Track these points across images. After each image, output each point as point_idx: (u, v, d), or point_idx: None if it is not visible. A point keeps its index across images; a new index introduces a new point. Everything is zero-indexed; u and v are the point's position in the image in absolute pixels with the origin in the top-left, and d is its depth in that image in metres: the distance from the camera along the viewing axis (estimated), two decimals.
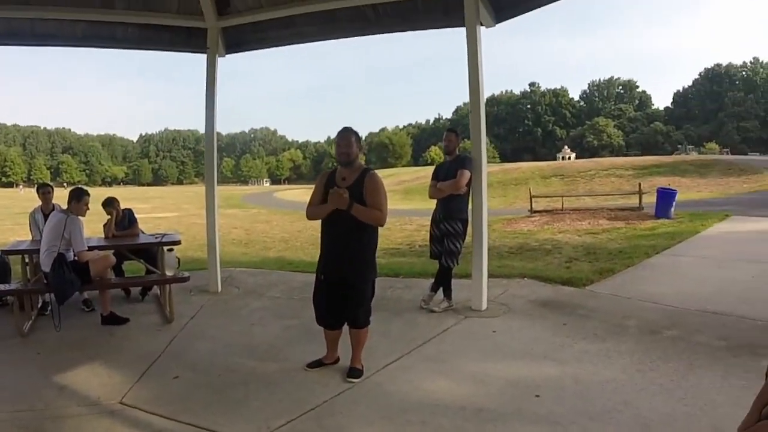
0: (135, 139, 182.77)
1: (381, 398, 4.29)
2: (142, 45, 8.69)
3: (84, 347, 5.72)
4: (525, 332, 5.74)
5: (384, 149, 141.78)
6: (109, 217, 7.66)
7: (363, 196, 4.40)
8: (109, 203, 7.67)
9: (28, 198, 57.58)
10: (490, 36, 6.58)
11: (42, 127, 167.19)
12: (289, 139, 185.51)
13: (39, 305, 6.95)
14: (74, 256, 6.17)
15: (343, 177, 4.56)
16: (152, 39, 8.43)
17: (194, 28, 7.99)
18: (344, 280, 4.55)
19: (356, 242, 4.51)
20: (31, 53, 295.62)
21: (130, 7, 7.71)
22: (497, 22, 6.83)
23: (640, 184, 21.45)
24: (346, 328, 4.81)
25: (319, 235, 4.76)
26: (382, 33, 7.88)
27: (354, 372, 4.66)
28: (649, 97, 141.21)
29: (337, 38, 8.08)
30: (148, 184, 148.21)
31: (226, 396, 4.40)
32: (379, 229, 4.63)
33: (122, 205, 7.88)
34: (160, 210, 32.03)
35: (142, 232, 8.01)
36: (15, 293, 6.47)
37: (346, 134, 4.55)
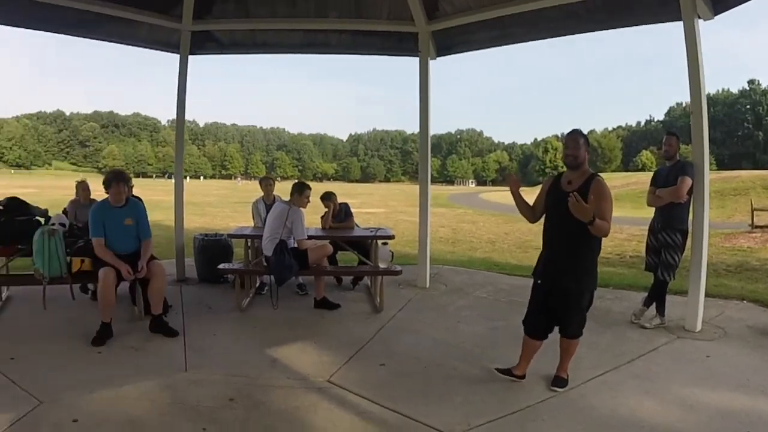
0: (345, 139, 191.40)
1: (584, 410, 4.16)
2: (355, 50, 9.22)
3: (296, 326, 6.17)
4: (741, 361, 5.23)
5: (592, 153, 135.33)
6: (326, 209, 8.09)
7: (587, 202, 4.16)
8: (327, 197, 8.09)
9: (245, 189, 62.84)
10: (704, 27, 6.05)
11: (258, 127, 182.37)
12: (495, 141, 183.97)
13: (257, 285, 7.61)
14: (294, 243, 6.66)
15: (569, 181, 4.42)
16: (365, 44, 8.88)
17: (405, 32, 8.22)
18: (563, 288, 4.40)
19: (579, 250, 4.34)
20: (249, 60, 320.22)
21: (342, 15, 8.19)
22: (716, 14, 6.21)
23: None
24: (547, 342, 4.67)
25: (528, 238, 4.67)
26: (593, 30, 7.57)
27: (559, 381, 4.56)
28: None
29: (546, 38, 7.89)
30: (357, 181, 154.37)
31: (429, 388, 4.49)
32: None
33: (338, 200, 8.29)
34: (368, 206, 33.29)
35: (357, 226, 8.38)
36: (238, 272, 7.09)
37: (574, 136, 4.42)
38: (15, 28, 8.03)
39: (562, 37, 7.79)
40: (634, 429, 3.89)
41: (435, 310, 6.93)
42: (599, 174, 4.45)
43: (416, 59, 8.15)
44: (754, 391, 4.55)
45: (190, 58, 8.47)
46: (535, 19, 7.48)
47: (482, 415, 3.99)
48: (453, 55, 8.55)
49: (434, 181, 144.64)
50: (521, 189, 4.73)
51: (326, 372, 4.78)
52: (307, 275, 7.16)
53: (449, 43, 8.36)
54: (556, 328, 4.57)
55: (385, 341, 5.69)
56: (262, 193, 8.25)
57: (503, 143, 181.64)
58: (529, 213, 4.69)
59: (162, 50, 8.81)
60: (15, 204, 6.53)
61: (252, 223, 8.36)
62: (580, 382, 4.63)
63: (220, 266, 7.24)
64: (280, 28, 8.69)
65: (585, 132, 4.45)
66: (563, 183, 4.45)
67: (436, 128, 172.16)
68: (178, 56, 8.45)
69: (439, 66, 8.27)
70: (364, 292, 7.84)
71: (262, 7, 8.35)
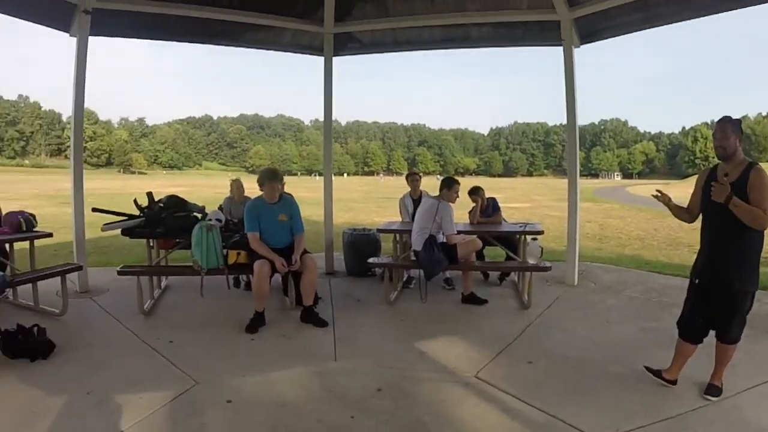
0: (485, 133, 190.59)
1: (738, 423, 3.86)
2: (496, 42, 9.04)
3: (444, 321, 6.20)
4: None
5: (745, 140, 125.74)
6: (474, 204, 8.06)
7: (746, 193, 3.89)
8: (475, 192, 8.06)
9: (387, 185, 63.83)
10: None
11: (399, 124, 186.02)
12: (641, 131, 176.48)
13: (404, 279, 7.69)
14: (443, 238, 6.66)
15: (725, 173, 4.07)
16: (505, 36, 8.73)
17: (546, 21, 7.97)
18: (722, 287, 4.09)
19: (740, 245, 4.01)
20: (388, 58, 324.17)
21: (481, 8, 8.09)
22: None
23: None
24: (700, 346, 4.37)
25: (678, 235, 4.39)
26: (746, 6, 6.74)
27: (713, 390, 4.24)
28: None
29: (698, 17, 7.22)
30: (499, 176, 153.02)
31: (577, 388, 4.36)
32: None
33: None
34: (512, 200, 32.80)
35: (504, 221, 8.29)
36: (387, 266, 7.20)
37: (722, 125, 4.09)
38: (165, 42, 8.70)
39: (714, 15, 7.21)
40: None
41: (583, 309, 6.73)
42: (758, 163, 4.07)
43: (559, 48, 7.91)
44: None
45: (334, 59, 8.74)
46: None
47: (630, 420, 3.81)
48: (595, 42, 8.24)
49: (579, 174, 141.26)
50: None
51: (473, 367, 4.75)
52: (456, 270, 7.11)
53: (593, 30, 8.02)
54: (712, 332, 4.28)
55: (532, 339, 5.58)
56: (409, 189, 8.33)
57: (649, 133, 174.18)
58: (686, 214, 4.42)
59: (306, 53, 9.22)
60: (174, 201, 7.01)
61: (399, 218, 8.46)
62: (735, 392, 4.29)
63: (370, 260, 7.41)
64: (420, 25, 8.72)
65: (736, 117, 4.11)
66: (719, 176, 4.10)
67: (579, 119, 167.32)
68: (320, 59, 8.77)
69: (580, 53, 7.96)
70: (511, 288, 7.74)
71: (400, 5, 8.45)
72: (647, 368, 4.51)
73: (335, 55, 8.82)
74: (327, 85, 8.75)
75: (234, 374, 4.55)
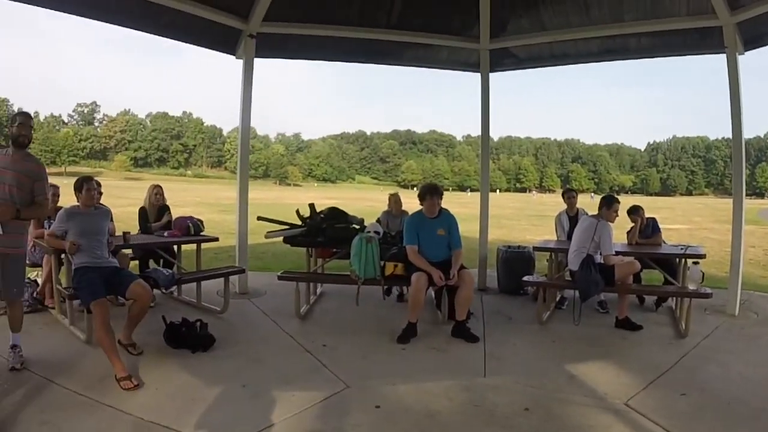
0: (642, 148, 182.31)
1: None
2: (654, 52, 8.77)
3: (596, 344, 6.09)
4: None
5: None
6: (633, 224, 7.86)
7: None
8: (635, 211, 7.87)
9: (540, 202, 62.78)
10: None
11: (552, 139, 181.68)
12: None
13: (557, 299, 7.61)
14: (601, 258, 6.56)
15: None
16: (664, 45, 8.42)
17: (707, 27, 7.58)
18: None
19: None
20: (540, 72, 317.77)
21: (638, 17, 7.87)
22: None
23: None
24: None
25: None
26: None
27: None
28: None
29: None
30: (656, 194, 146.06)
31: (731, 427, 4.11)
32: None
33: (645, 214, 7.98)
34: (670, 221, 31.26)
35: (664, 242, 7.99)
36: (542, 285, 7.18)
37: None
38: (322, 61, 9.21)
39: None
40: None
41: (744, 341, 6.34)
42: None
43: (721, 56, 7.47)
44: None
45: (490, 75, 8.87)
46: None
47: None
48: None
49: None
50: None
51: (624, 394, 4.64)
52: (612, 292, 6.93)
53: (758, 34, 7.50)
54: None
55: (687, 370, 5.35)
56: (565, 206, 8.28)
57: None
58: None
59: (463, 70, 9.43)
60: (335, 213, 7.41)
61: (553, 236, 8.38)
62: None
63: (525, 278, 7.39)
64: (576, 38, 8.63)
65: None
66: None
67: (744, 132, 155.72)
68: (476, 74, 8.92)
69: (744, 60, 7.50)
70: (667, 315, 7.42)
71: (556, 19, 8.41)
72: None
73: (492, 71, 8.92)
74: (484, 100, 8.87)
75: (384, 381, 4.75)
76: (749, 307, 7.82)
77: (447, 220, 6.35)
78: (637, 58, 9.06)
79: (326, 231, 7.03)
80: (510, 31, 8.80)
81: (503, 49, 9.02)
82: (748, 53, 7.73)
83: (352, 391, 4.52)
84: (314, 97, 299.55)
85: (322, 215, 7.31)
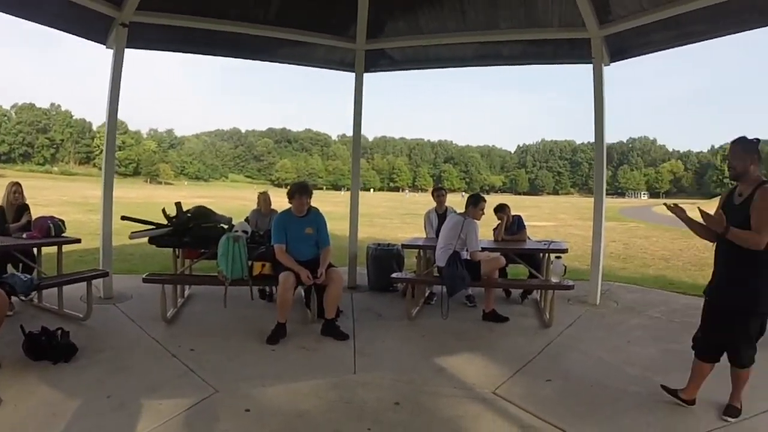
0: (512, 150, 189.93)
1: None
2: (526, 60, 9.13)
3: (464, 337, 6.22)
4: None
5: None
6: (499, 221, 8.08)
7: (750, 214, 3.92)
8: (501, 209, 8.10)
9: (412, 201, 63.91)
10: None
11: (426, 140, 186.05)
12: (669, 149, 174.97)
13: (426, 295, 7.69)
14: (467, 254, 6.69)
15: (740, 193, 4.12)
16: (536, 53, 8.77)
17: (577, 39, 8.00)
18: (729, 310, 4.09)
19: (746, 267, 3.99)
20: (416, 74, 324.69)
21: (513, 26, 8.14)
22: None
23: None
24: (721, 366, 4.33)
25: (704, 255, 4.39)
26: None
27: (731, 410, 4.21)
28: None
29: (727, 34, 7.27)
30: (525, 193, 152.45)
31: (594, 409, 4.33)
32: None
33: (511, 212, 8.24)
34: (537, 219, 32.63)
35: (529, 239, 8.30)
36: (410, 281, 7.24)
37: (733, 146, 4.11)
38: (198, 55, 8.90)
39: (747, 33, 7.15)
40: None
41: (605, 329, 6.70)
42: None
43: (588, 66, 7.94)
44: None
45: (365, 75, 8.85)
46: (715, 14, 6.91)
47: None
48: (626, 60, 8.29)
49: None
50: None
51: (492, 384, 4.76)
52: (479, 287, 7.16)
53: (623, 47, 8.05)
54: None
55: (551, 357, 5.58)
56: (434, 204, 8.40)
57: (678, 151, 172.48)
58: (706, 233, 4.40)
59: (338, 69, 9.35)
60: (202, 212, 7.13)
61: (423, 234, 8.50)
62: (754, 414, 4.25)
63: (394, 275, 7.46)
64: (452, 43, 8.78)
65: (753, 138, 4.11)
66: (735, 196, 4.16)
67: (607, 137, 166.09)
68: (351, 74, 8.88)
69: (609, 71, 7.98)
70: (532, 307, 7.72)
71: (433, 23, 8.52)
72: (664, 387, 4.51)
73: (366, 71, 8.91)
74: (357, 101, 8.85)
75: (253, 383, 4.61)
76: (610, 297, 8.30)
77: (315, 218, 6.28)
78: (510, 65, 9.44)
79: (193, 231, 6.77)
80: (387, 32, 8.84)
81: (379, 50, 9.06)
82: (613, 65, 8.26)
83: (221, 396, 4.36)
84: (189, 92, 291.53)
85: (188, 214, 7.03)
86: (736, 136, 4.13)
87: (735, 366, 4.21)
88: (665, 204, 4.55)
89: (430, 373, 5.02)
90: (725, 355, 4.26)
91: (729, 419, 4.15)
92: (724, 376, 4.32)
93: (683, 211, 4.22)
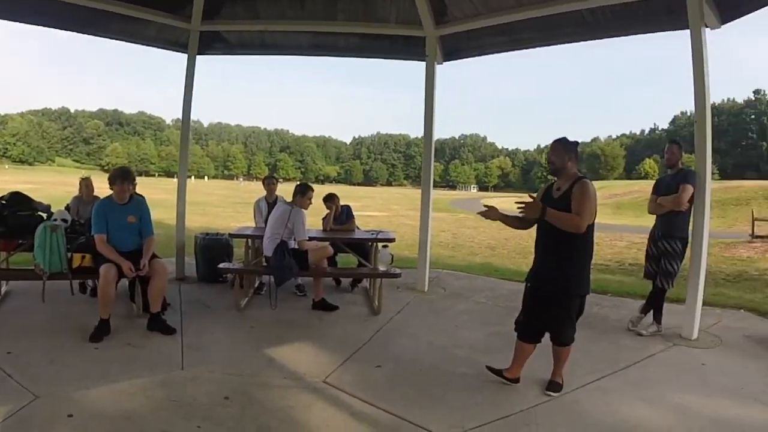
0: (348, 142, 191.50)
1: (578, 416, 4.19)
2: (362, 53, 9.25)
3: (294, 327, 6.23)
4: (736, 369, 5.27)
5: (596, 160, 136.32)
6: (328, 211, 8.15)
7: (570, 203, 4.32)
8: (329, 199, 8.17)
9: (246, 189, 63.01)
10: (711, 36, 6.08)
11: (262, 128, 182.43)
12: (499, 147, 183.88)
13: (256, 285, 7.66)
14: (295, 244, 6.68)
15: (557, 187, 4.53)
16: (372, 47, 8.92)
17: (413, 36, 8.25)
18: (550, 293, 4.45)
19: (563, 254, 4.38)
20: (255, 61, 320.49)
21: (350, 18, 8.24)
22: (723, 23, 6.22)
23: None
24: (544, 346, 4.69)
25: (527, 244, 4.72)
26: (602, 38, 7.59)
27: (554, 386, 4.58)
28: None
29: (555, 44, 7.98)
30: (359, 184, 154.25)
31: (424, 391, 4.51)
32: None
33: (340, 202, 8.34)
34: (371, 209, 33.32)
35: (357, 228, 8.43)
36: (237, 272, 7.10)
37: (554, 143, 4.55)
38: (24, 24, 8.12)
39: (573, 45, 7.81)
40: None
41: (433, 314, 6.96)
42: (586, 178, 4.49)
43: (423, 63, 8.18)
44: (747, 400, 4.58)
45: (199, 58, 8.53)
46: (544, 25, 7.55)
47: (476, 419, 4.01)
48: (460, 60, 8.63)
49: (436, 185, 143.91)
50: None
51: (322, 372, 4.81)
52: (307, 276, 7.20)
53: (457, 48, 8.42)
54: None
55: (381, 344, 5.72)
56: (265, 192, 8.30)
57: (507, 149, 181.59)
58: (520, 223, 4.74)
59: (171, 49, 8.89)
60: (17, 199, 6.58)
61: (254, 223, 8.40)
62: (575, 387, 4.65)
63: (221, 265, 7.28)
64: (289, 30, 8.73)
65: (588, 139, 4.56)
66: (553, 190, 4.56)
67: (439, 133, 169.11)
68: (185, 56, 8.51)
69: (445, 70, 8.30)
70: (362, 295, 7.87)
71: (270, 9, 8.41)
72: (489, 368, 4.76)
73: (200, 53, 8.56)
74: (188, 84, 8.48)
75: (76, 386, 4.30)
76: (438, 284, 8.62)
77: (138, 206, 5.97)
78: (345, 56, 9.44)
79: (8, 219, 6.23)
80: (224, 15, 8.54)
81: (215, 33, 8.77)
82: (449, 64, 8.58)
83: (41, 402, 4.01)
84: (14, 66, 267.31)
85: (2, 201, 6.47)
86: (568, 137, 4.56)
87: (556, 344, 4.58)
88: (479, 213, 4.84)
89: (260, 365, 4.98)
90: (545, 334, 4.59)
91: (552, 394, 4.50)
92: (545, 354, 4.66)
93: (495, 210, 4.59)
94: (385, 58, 9.31)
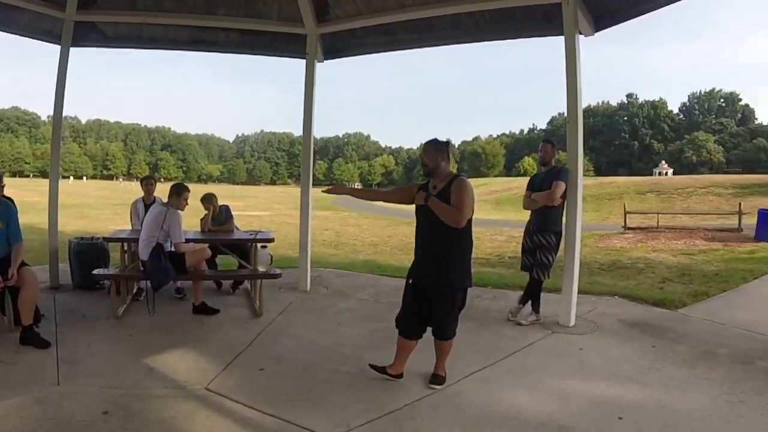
0: (231, 140, 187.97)
1: (461, 407, 4.30)
2: (242, 49, 9.09)
3: (174, 333, 6.04)
4: (612, 352, 5.60)
5: (477, 158, 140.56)
6: (206, 212, 7.97)
7: (450, 200, 4.44)
8: (207, 199, 7.96)
9: (127, 190, 60.80)
10: (587, 44, 6.45)
11: (143, 125, 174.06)
12: (382, 145, 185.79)
13: (134, 291, 7.38)
14: (172, 246, 6.50)
15: (434, 186, 4.63)
16: (253, 43, 8.77)
17: (293, 34, 8.20)
18: (432, 288, 4.56)
19: (447, 250, 4.49)
20: (135, 56, 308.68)
21: (231, 13, 8.08)
22: (596, 31, 6.68)
23: (740, 204, 20.73)
24: (426, 340, 4.79)
25: (410, 240, 4.81)
26: (480, 41, 7.90)
27: (437, 379, 4.68)
28: (752, 112, 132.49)
29: (434, 46, 8.14)
30: (243, 184, 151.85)
31: (308, 391, 4.51)
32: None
33: (219, 202, 8.17)
34: (253, 208, 32.92)
35: (237, 229, 8.29)
36: (113, 278, 6.84)
37: (425, 145, 4.68)
38: None
39: (459, 46, 7.99)
40: (510, 422, 4.05)
41: (315, 313, 6.96)
42: (462, 176, 4.65)
43: (304, 61, 8.13)
44: (624, 380, 4.88)
45: (74, 50, 8.05)
46: (424, 27, 7.70)
47: (361, 416, 4.05)
48: (344, 59, 8.65)
49: (320, 183, 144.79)
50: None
51: (204, 379, 4.70)
52: (185, 280, 7.01)
53: (338, 47, 8.41)
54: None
55: (264, 346, 5.67)
56: (143, 193, 8.03)
57: (390, 147, 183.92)
58: (374, 195, 4.89)
59: (44, 40, 8.30)
60: None
61: (131, 225, 8.09)
62: (458, 379, 4.78)
63: (95, 272, 6.94)
64: (168, 23, 8.39)
65: (458, 140, 4.66)
66: (430, 188, 4.65)
67: (324, 131, 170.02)
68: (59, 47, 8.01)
69: (329, 69, 8.33)
70: (243, 297, 7.75)
71: (149, 1, 8.07)
72: (372, 366, 4.81)
73: (75, 45, 8.04)
74: (60, 77, 7.94)
75: None
76: (320, 283, 8.60)
77: (5, 210, 5.60)
78: (226, 53, 9.31)
79: None
80: (101, 4, 8.06)
81: (90, 23, 8.25)
82: (332, 62, 8.60)
83: None
84: None
85: None
86: (451, 137, 4.73)
87: (438, 338, 4.69)
88: (323, 191, 5.02)
89: (140, 375, 4.80)
90: (427, 329, 4.70)
91: (436, 387, 4.61)
92: (428, 348, 4.76)
93: (342, 186, 4.71)
94: (266, 54, 9.15)
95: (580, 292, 6.80)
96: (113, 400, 4.25)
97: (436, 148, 4.63)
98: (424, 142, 4.73)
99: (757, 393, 4.55)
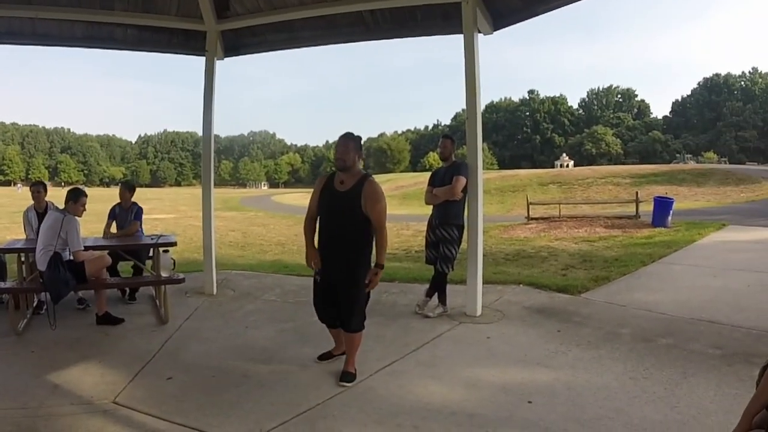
0: (134, 140, 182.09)
1: (373, 402, 4.30)
2: (140, 46, 8.74)
3: (78, 346, 5.74)
4: (519, 338, 5.75)
5: (382, 154, 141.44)
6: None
7: (361, 202, 4.47)
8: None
9: (25, 197, 57.46)
10: (490, 42, 6.63)
11: (41, 126, 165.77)
12: (288, 143, 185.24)
13: (35, 304, 6.97)
14: (70, 255, 6.19)
15: (341, 180, 4.61)
16: (151, 41, 8.48)
17: (193, 30, 8.01)
18: (337, 284, 4.62)
19: (350, 246, 4.55)
20: (31, 52, 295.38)
21: (128, 8, 7.76)
22: (495, 30, 6.87)
23: (637, 193, 21.64)
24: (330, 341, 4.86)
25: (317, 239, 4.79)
26: (380, 39, 7.96)
27: (347, 376, 4.68)
28: (647, 106, 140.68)
29: (336, 43, 8.18)
30: (146, 186, 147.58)
31: (219, 397, 4.41)
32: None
33: (130, 201, 8.03)
34: (158, 211, 32.03)
35: (141, 230, 8.04)
36: (11, 291, 6.47)
37: (344, 141, 4.62)
38: None
39: (365, 43, 7.99)
40: (422, 412, 4.09)
41: (223, 317, 6.82)
42: (371, 174, 4.72)
43: (203, 58, 7.95)
44: (531, 364, 5.04)
45: None
46: (325, 24, 7.70)
47: (274, 419, 3.99)
48: (246, 56, 8.55)
49: (226, 184, 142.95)
50: None
51: (111, 393, 4.51)
52: (86, 289, 6.71)
53: (238, 44, 8.29)
54: None
55: (171, 353, 5.49)
56: (33, 201, 7.60)
57: (296, 145, 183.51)
58: (310, 224, 4.85)
59: None
60: None
61: (24, 235, 7.68)
62: (368, 375, 4.80)
63: None
64: (62, 18, 7.92)
65: (364, 136, 4.68)
66: (336, 183, 4.65)
67: (228, 130, 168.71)
68: None
69: (232, 66, 8.17)
70: (149, 304, 7.47)
71: None
72: (319, 358, 5.04)
73: None
74: None
75: None
76: (227, 285, 8.44)
77: None
78: (123, 50, 8.90)
79: None
80: None
81: None
82: (236, 60, 8.47)
83: None
84: None
85: None
86: (358, 133, 4.68)
87: (347, 331, 4.73)
88: None
89: (45, 393, 4.53)
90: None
91: (346, 384, 4.60)
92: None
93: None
94: (164, 52, 8.90)
95: (485, 282, 6.95)
96: (17, 421, 4.01)
97: (355, 144, 4.64)
98: (340, 136, 4.68)
99: (660, 369, 4.80)
